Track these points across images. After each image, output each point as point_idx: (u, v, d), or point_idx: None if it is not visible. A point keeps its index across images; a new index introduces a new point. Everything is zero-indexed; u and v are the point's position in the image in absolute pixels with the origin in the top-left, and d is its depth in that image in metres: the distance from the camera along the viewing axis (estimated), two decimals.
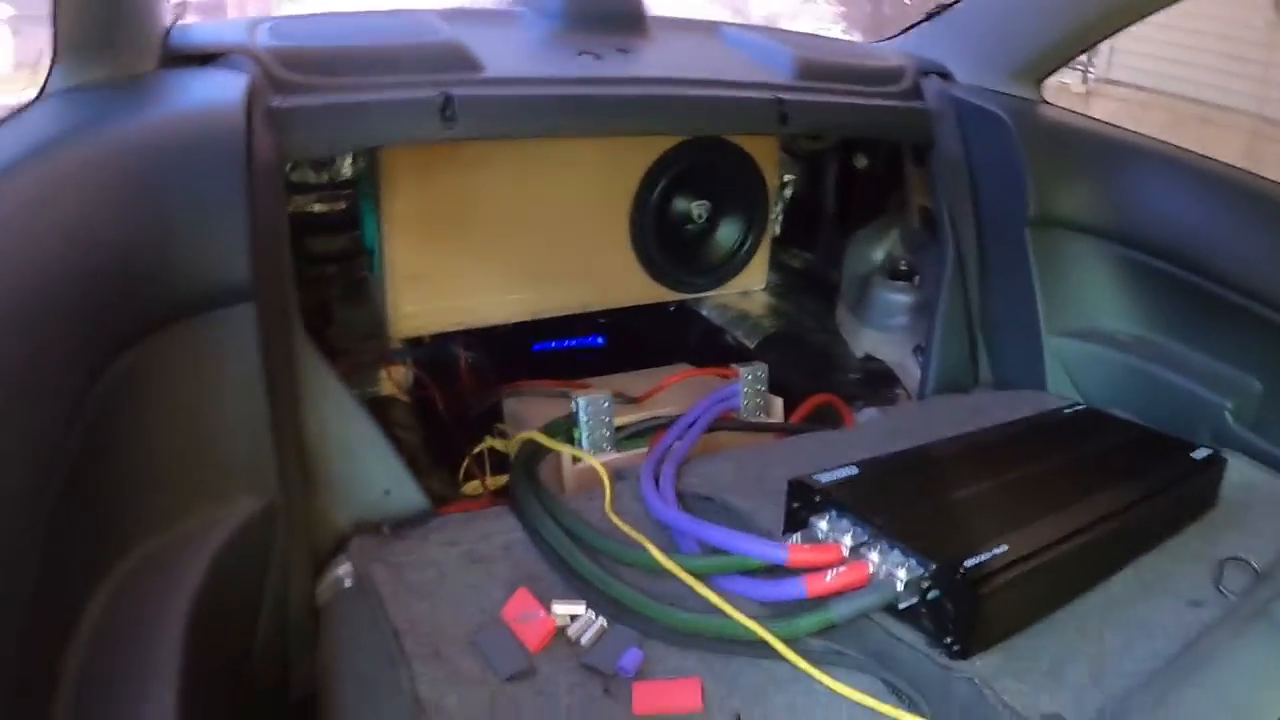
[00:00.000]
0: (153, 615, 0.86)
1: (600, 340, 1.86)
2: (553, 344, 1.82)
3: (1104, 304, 1.53)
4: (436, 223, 1.57)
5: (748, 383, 1.44)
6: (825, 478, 1.06)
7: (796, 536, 1.01)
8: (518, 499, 1.17)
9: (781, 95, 1.42)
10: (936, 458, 1.19)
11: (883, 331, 1.69)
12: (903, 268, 1.72)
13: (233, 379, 1.01)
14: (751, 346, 1.71)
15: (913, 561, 0.94)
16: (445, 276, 1.61)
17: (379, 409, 1.45)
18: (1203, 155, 1.50)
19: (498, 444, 1.44)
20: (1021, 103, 1.59)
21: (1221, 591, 1.04)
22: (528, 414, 1.48)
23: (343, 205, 1.67)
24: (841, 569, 0.96)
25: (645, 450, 1.32)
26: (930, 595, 0.92)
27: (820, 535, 1.01)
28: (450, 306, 1.62)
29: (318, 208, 1.68)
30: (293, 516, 1.07)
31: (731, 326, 1.76)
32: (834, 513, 1.01)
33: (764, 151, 1.76)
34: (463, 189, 1.58)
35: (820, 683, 0.92)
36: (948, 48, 1.68)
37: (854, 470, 1.09)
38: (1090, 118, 1.63)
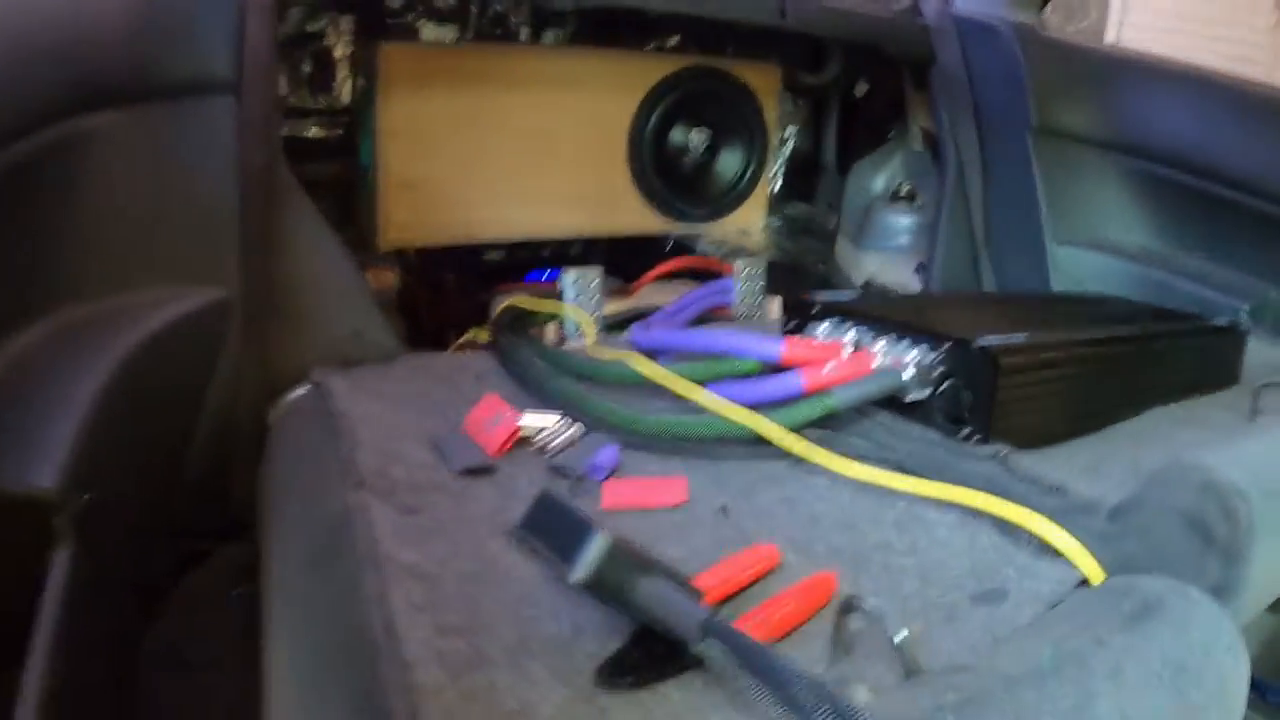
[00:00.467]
0: (69, 368, 0.77)
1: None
2: (545, 273, 1.73)
3: (1111, 214, 1.46)
4: (432, 134, 1.52)
5: (743, 278, 1.36)
6: (824, 295, 0.97)
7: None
8: (495, 341, 1.08)
9: None
10: (948, 297, 1.10)
11: (884, 253, 1.61)
12: (903, 193, 1.64)
13: (203, 170, 0.95)
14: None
15: (924, 347, 0.84)
16: (438, 188, 1.54)
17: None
18: (1206, 67, 1.44)
19: (481, 334, 1.35)
20: (1021, 24, 1.53)
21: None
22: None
23: (340, 132, 1.60)
24: (842, 361, 0.87)
25: None
26: (944, 384, 0.82)
27: (820, 338, 0.91)
28: (442, 219, 1.56)
29: (314, 132, 1.61)
30: (249, 324, 0.98)
31: (730, 257, 1.67)
32: (835, 319, 0.91)
33: (764, 84, 1.70)
34: (459, 102, 1.53)
35: (819, 471, 0.81)
36: None
37: (857, 293, 0.99)
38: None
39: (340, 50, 1.55)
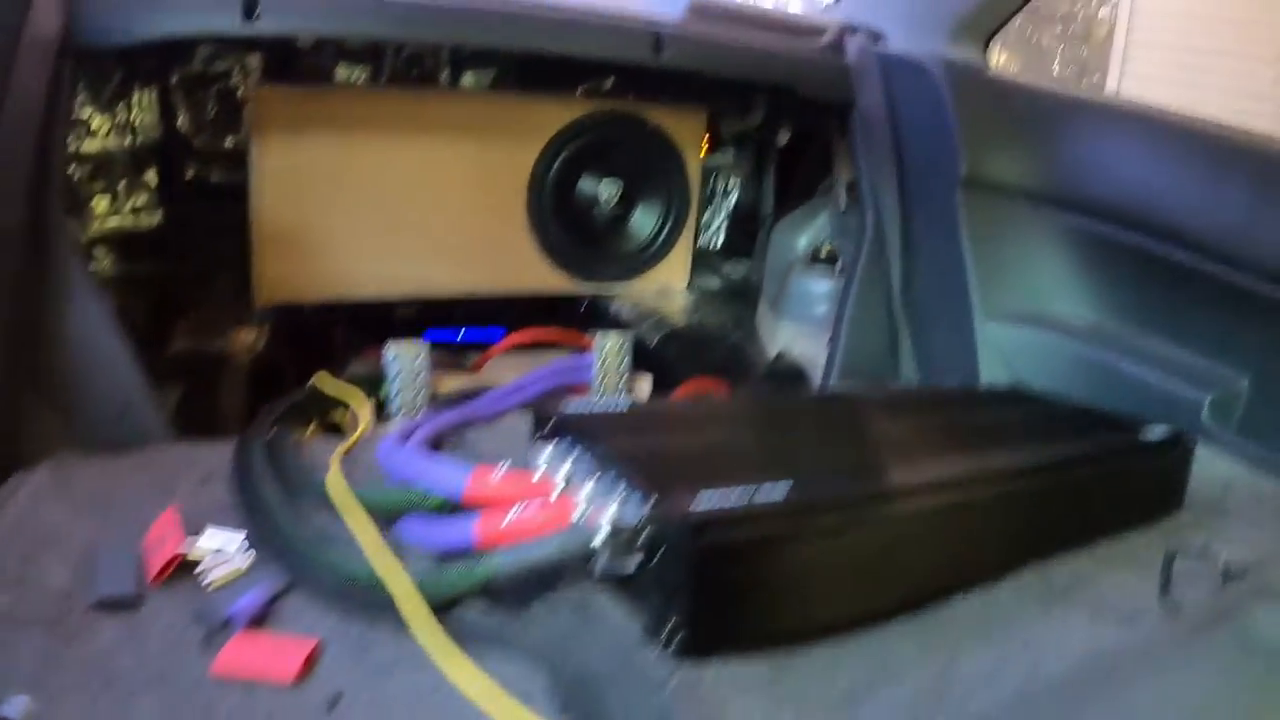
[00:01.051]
0: None
1: (501, 333, 1.59)
2: (446, 333, 1.56)
3: (1051, 283, 1.22)
4: (309, 181, 1.37)
5: (605, 353, 1.16)
6: (579, 407, 0.77)
7: (503, 466, 0.72)
8: (247, 432, 0.91)
9: (660, 28, 1.17)
10: (762, 409, 0.88)
11: (798, 323, 1.39)
12: (824, 254, 1.42)
13: None
14: (650, 344, 1.41)
15: (632, 498, 0.63)
16: (316, 240, 1.40)
17: (206, 364, 1.23)
18: (1166, 110, 1.19)
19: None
20: (955, 63, 1.30)
21: (1168, 600, 0.71)
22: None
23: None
24: (530, 507, 0.66)
25: None
26: (647, 559, 0.61)
27: (538, 465, 0.71)
28: (320, 274, 1.41)
29: (216, 176, 1.47)
30: None
31: (635, 323, 1.47)
32: (566, 439, 0.71)
33: (686, 130, 1.51)
34: (340, 146, 1.38)
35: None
36: (885, 10, 1.41)
37: (625, 405, 0.79)
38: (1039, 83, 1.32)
39: (247, 91, 1.41)
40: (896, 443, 0.79)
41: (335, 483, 0.75)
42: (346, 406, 1.05)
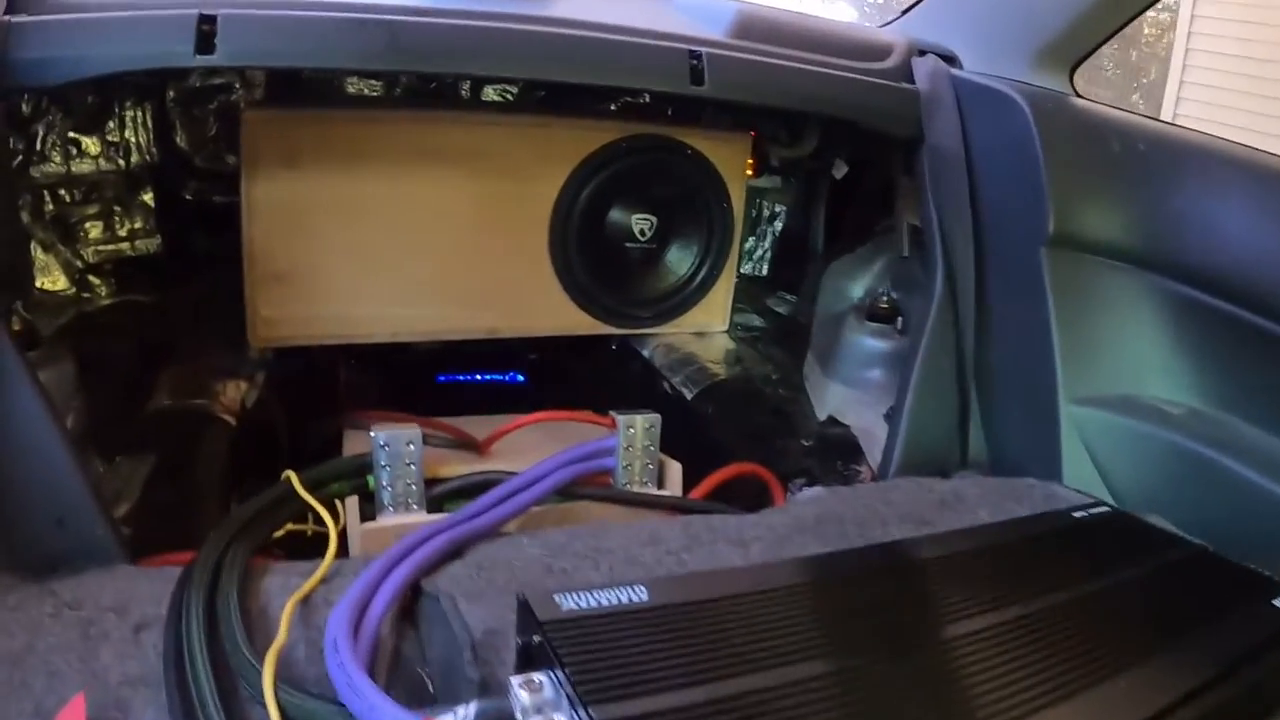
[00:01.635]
0: None
1: (521, 378, 1.42)
2: (461, 377, 1.39)
3: (1149, 362, 1.04)
4: (307, 214, 1.21)
5: (629, 438, 0.99)
6: (576, 601, 0.59)
7: (465, 710, 0.55)
8: (198, 559, 0.74)
9: (699, 48, 0.99)
10: (818, 583, 0.70)
11: (851, 387, 1.21)
12: (883, 305, 1.23)
13: None
14: (689, 397, 1.24)
15: None
16: (316, 279, 1.24)
17: (186, 425, 1.07)
18: None
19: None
20: (1042, 94, 1.10)
21: None
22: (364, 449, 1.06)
23: None
24: None
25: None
26: None
27: (519, 708, 0.52)
28: (320, 315, 1.25)
29: (219, 198, 1.33)
30: None
31: (671, 371, 1.30)
32: (553, 672, 0.53)
33: (728, 158, 1.33)
34: (341, 175, 1.21)
35: None
36: (956, 29, 1.22)
37: (641, 595, 0.61)
38: (1136, 112, 1.12)
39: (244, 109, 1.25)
40: (999, 672, 0.59)
41: (268, 689, 0.58)
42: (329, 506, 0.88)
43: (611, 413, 1.00)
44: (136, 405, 1.12)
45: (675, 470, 1.03)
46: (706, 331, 1.39)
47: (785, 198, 1.47)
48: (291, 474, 0.89)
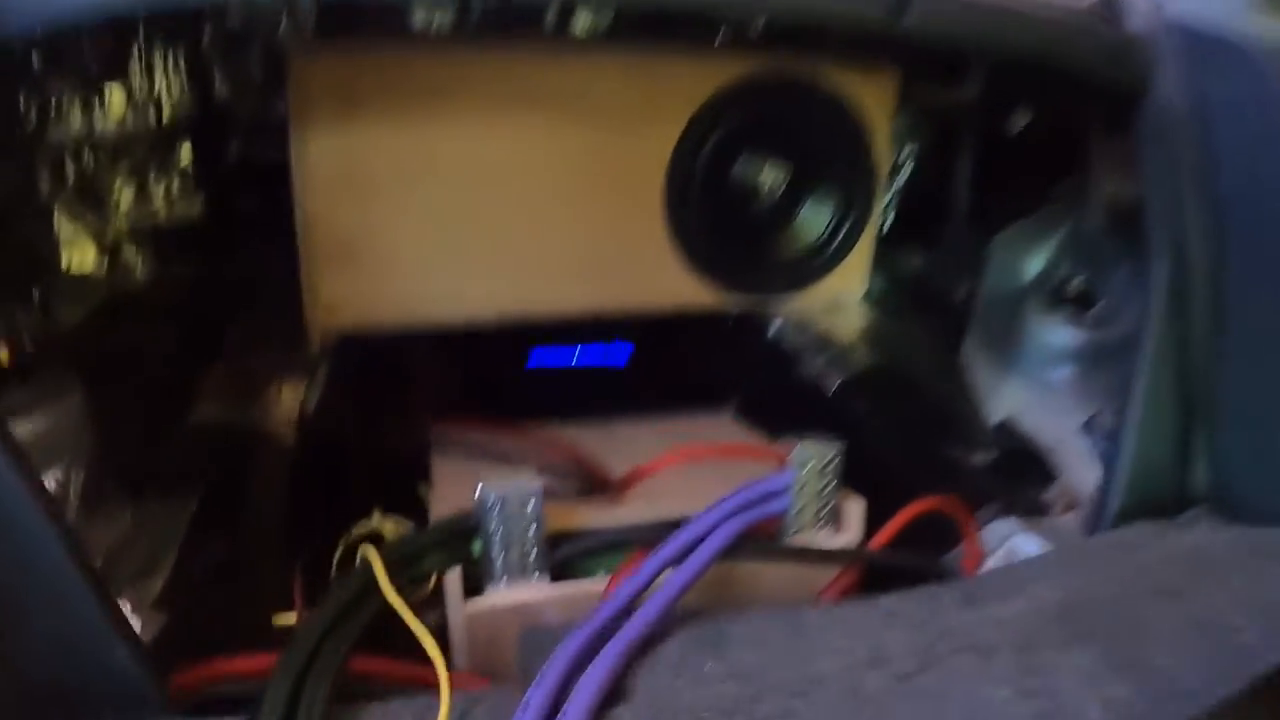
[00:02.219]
0: None
1: (627, 351, 1.23)
2: (557, 353, 1.19)
3: None
4: (372, 174, 1.00)
5: (804, 477, 0.80)
6: None
7: None
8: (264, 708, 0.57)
9: None
10: None
11: (1034, 386, 1.00)
12: (1073, 290, 1.02)
13: None
14: (830, 389, 1.04)
15: None
16: (385, 252, 1.03)
17: (235, 447, 0.88)
18: None
19: (387, 526, 0.84)
20: None
21: None
22: (454, 478, 0.88)
23: None
24: None
25: (604, 584, 0.72)
26: None
27: None
28: (391, 295, 1.04)
29: (267, 156, 1.09)
30: None
31: (807, 353, 1.10)
32: None
33: (872, 100, 1.10)
34: (411, 128, 1.00)
35: None
36: None
37: None
38: None
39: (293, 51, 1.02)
40: None
41: None
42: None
43: (787, 439, 0.81)
44: (176, 417, 0.93)
45: (856, 509, 0.84)
46: (840, 303, 1.18)
47: (915, 143, 1.24)
48: (373, 555, 0.70)
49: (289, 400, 0.95)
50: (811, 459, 0.80)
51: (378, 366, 1.10)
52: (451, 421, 0.99)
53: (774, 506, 0.80)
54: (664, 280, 1.10)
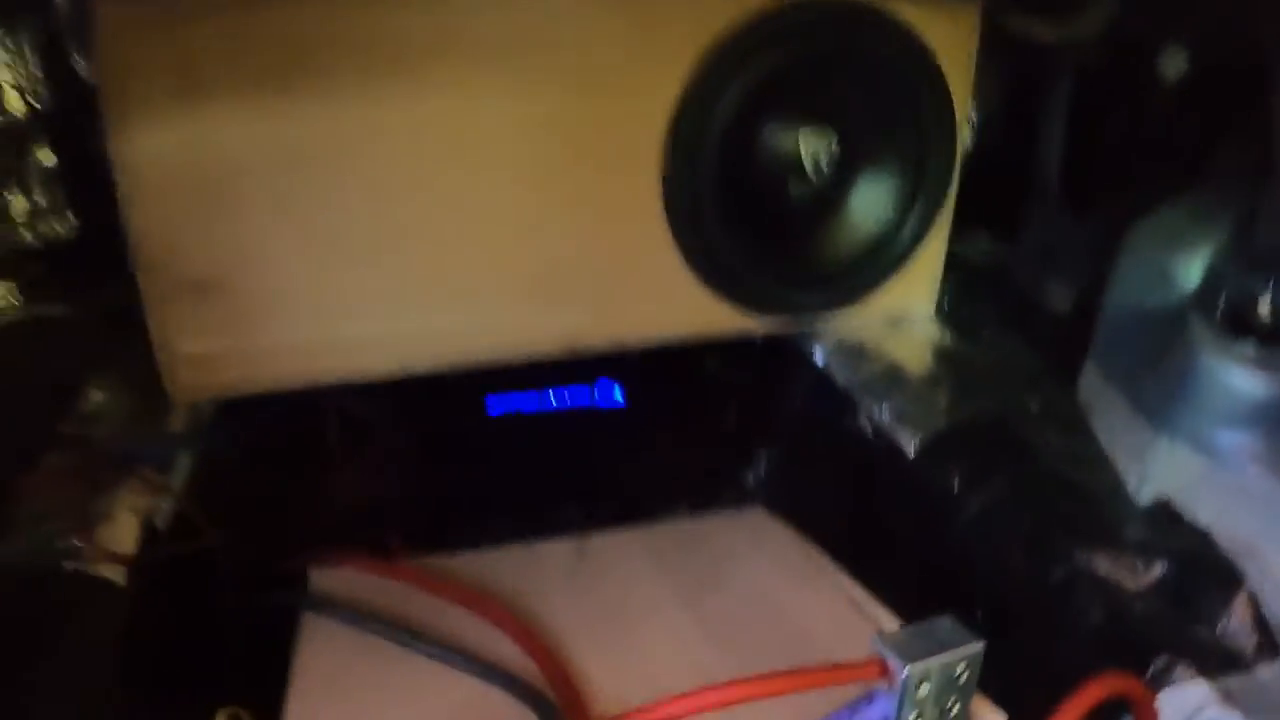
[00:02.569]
0: None
1: (617, 395, 0.91)
2: (521, 404, 0.88)
3: None
4: (236, 174, 0.69)
5: (917, 704, 0.50)
6: None
7: None
8: None
9: None
10: None
11: (1203, 454, 0.69)
12: (1261, 317, 0.70)
13: None
14: (911, 451, 0.74)
15: None
16: (265, 284, 0.73)
17: (33, 611, 0.57)
18: None
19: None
20: None
21: None
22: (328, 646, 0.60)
23: None
24: None
25: None
26: None
27: None
28: (280, 344, 0.74)
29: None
30: None
31: (870, 396, 0.78)
32: None
33: (948, 38, 0.78)
34: (294, 99, 0.68)
35: None
36: None
37: None
38: None
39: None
40: None
41: None
42: None
43: (878, 644, 0.50)
44: None
45: None
46: (904, 319, 0.87)
47: (986, 96, 0.92)
48: None
49: (127, 516, 0.65)
50: (930, 677, 0.50)
51: (271, 435, 0.79)
52: (336, 550, 0.70)
53: None
54: (666, 300, 0.78)
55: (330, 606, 0.65)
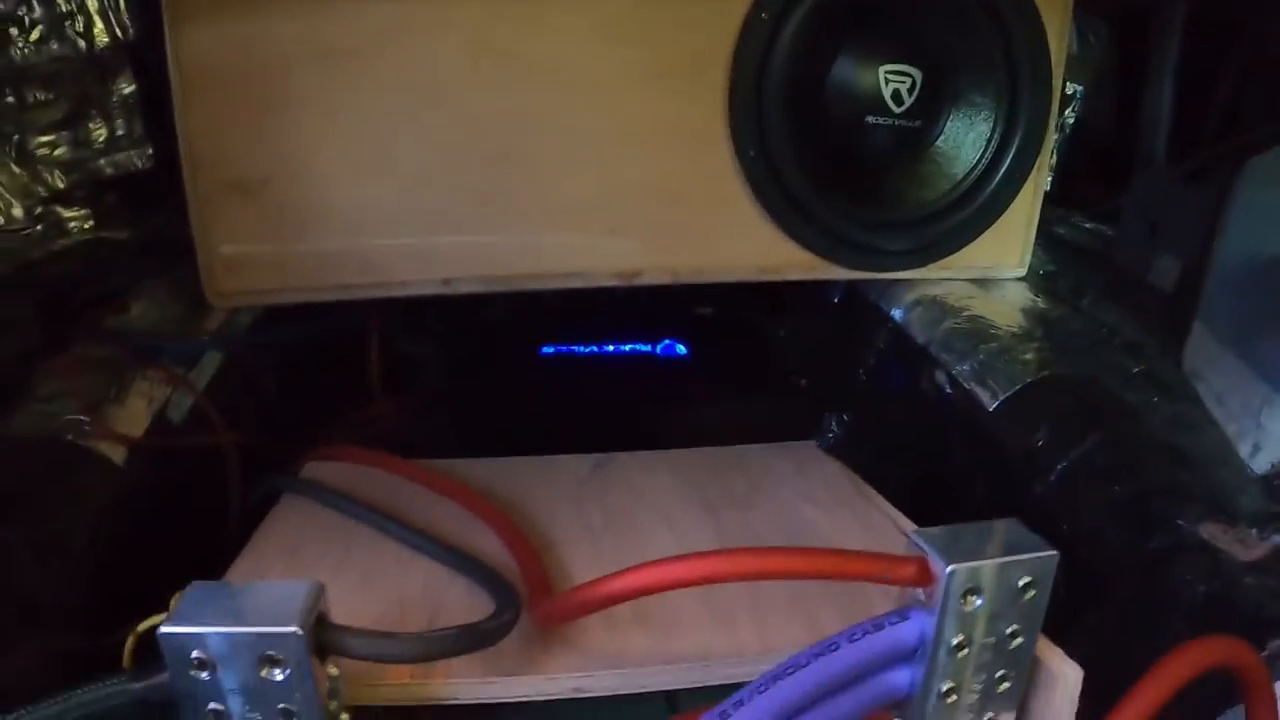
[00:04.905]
0: None
1: (680, 349, 0.86)
2: (579, 348, 0.83)
3: None
4: (285, 74, 0.67)
5: (960, 621, 0.41)
6: None
7: None
8: None
9: None
10: None
11: None
12: None
13: None
14: (990, 404, 0.66)
15: None
16: (308, 188, 0.69)
17: (44, 481, 0.54)
18: None
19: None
20: None
21: None
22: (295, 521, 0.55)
23: None
24: None
25: None
26: None
27: None
28: (318, 250, 0.71)
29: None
30: None
31: (949, 353, 0.71)
32: None
33: None
34: (338, 6, 0.66)
35: None
36: None
37: None
38: None
39: None
40: None
41: None
42: None
43: (917, 538, 0.42)
44: None
45: (1065, 681, 0.45)
46: (993, 277, 0.80)
47: (1084, 67, 0.85)
48: None
49: (138, 404, 0.62)
50: (982, 584, 0.41)
51: (303, 358, 0.76)
52: (314, 452, 0.66)
53: (885, 684, 0.42)
54: (730, 234, 0.73)
55: (304, 485, 0.61)
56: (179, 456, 0.61)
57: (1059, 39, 0.73)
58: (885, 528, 0.60)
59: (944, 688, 0.42)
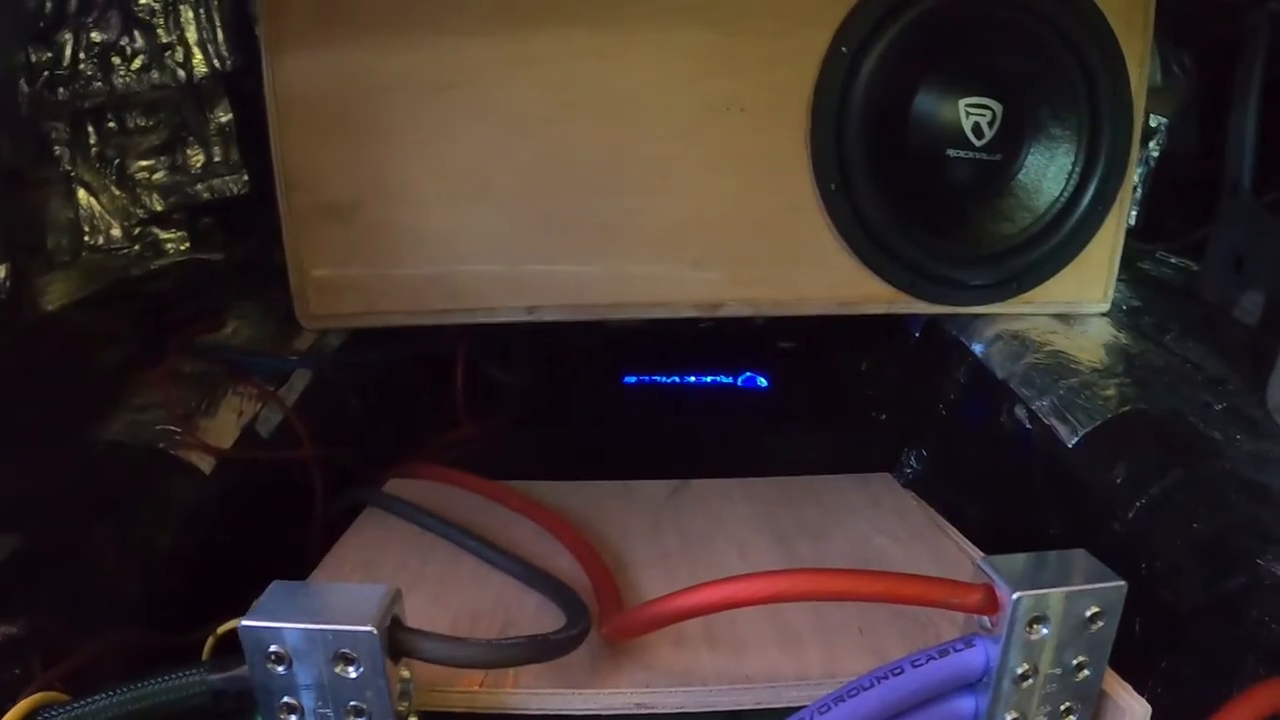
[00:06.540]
0: None
1: (761, 381, 0.87)
2: (660, 378, 0.85)
3: None
4: (381, 101, 0.71)
5: (1026, 649, 0.41)
6: None
7: None
8: None
9: None
10: None
11: None
12: None
13: None
14: (1070, 441, 0.66)
15: None
16: (401, 214, 0.73)
17: (113, 479, 0.57)
18: None
19: None
20: None
21: None
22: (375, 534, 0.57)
23: None
24: None
25: None
26: None
27: None
28: (409, 276, 0.74)
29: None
30: None
31: (1029, 388, 0.71)
32: None
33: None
34: (434, 33, 0.70)
35: None
36: None
37: None
38: None
39: None
40: None
41: None
42: None
43: (984, 566, 0.43)
44: (82, 428, 0.64)
45: (1130, 718, 0.44)
46: (1074, 312, 0.80)
47: (1169, 100, 0.85)
48: None
49: (228, 416, 0.66)
50: (1046, 611, 0.41)
51: (390, 380, 0.79)
52: (426, 472, 0.68)
53: (949, 711, 0.43)
54: (810, 267, 0.74)
55: (385, 498, 0.63)
56: (265, 469, 0.64)
57: (1139, 69, 0.74)
58: (959, 561, 0.60)
59: (1009, 718, 0.42)
